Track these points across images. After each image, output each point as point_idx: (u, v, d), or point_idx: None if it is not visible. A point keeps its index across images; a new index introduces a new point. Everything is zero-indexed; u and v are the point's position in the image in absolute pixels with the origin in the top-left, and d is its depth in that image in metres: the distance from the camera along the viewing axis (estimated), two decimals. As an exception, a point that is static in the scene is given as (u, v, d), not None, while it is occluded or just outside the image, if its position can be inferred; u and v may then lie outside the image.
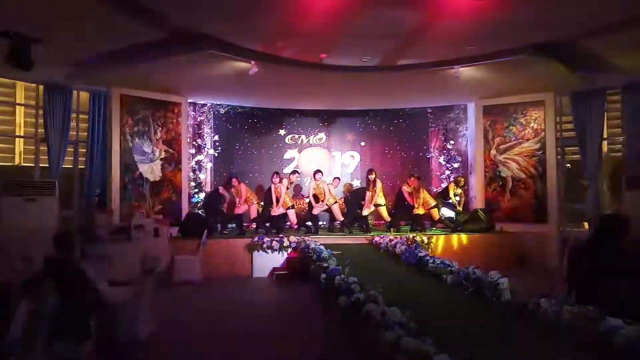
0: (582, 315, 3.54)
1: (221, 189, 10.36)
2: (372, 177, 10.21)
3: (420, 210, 10.31)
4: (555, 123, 10.23)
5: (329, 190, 10.29)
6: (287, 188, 10.29)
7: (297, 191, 11.61)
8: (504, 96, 10.44)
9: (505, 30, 6.74)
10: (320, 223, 10.59)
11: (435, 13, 6.15)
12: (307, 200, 10.69)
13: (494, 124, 10.80)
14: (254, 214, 10.29)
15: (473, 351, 3.22)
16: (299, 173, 10.91)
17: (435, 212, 10.38)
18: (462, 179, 10.60)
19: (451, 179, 11.25)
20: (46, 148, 8.77)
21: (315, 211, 10.26)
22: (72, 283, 4.38)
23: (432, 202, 10.37)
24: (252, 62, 7.76)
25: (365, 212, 10.28)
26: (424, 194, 10.38)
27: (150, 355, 4.91)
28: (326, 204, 10.18)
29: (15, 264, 5.83)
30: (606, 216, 5.06)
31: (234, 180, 10.20)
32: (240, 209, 10.13)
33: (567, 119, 10.27)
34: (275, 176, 10.01)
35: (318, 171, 10.34)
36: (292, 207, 10.26)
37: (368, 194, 10.26)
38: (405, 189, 10.39)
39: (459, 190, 10.49)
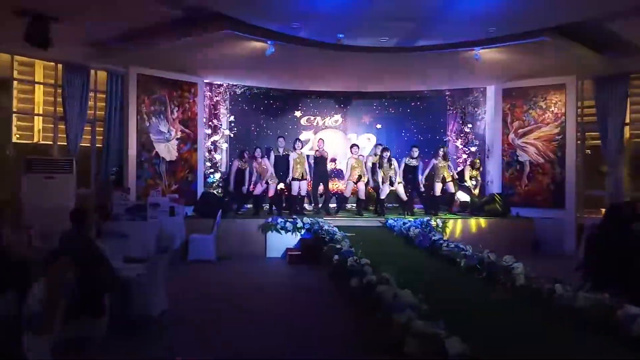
0: (597, 302, 3.51)
1: (237, 163, 10.10)
2: (387, 155, 9.96)
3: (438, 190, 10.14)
4: (577, 107, 10.03)
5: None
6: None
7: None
8: (524, 79, 10.24)
9: (527, 11, 6.58)
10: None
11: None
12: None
13: (513, 107, 10.63)
14: (272, 193, 10.01)
15: (484, 335, 3.21)
16: (357, 147, 10.37)
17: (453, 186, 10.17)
18: (478, 161, 10.49)
19: (467, 163, 11.10)
20: (64, 126, 8.85)
21: (382, 194, 10.04)
22: (87, 259, 4.44)
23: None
24: (269, 42, 7.70)
25: (383, 195, 10.08)
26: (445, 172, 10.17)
27: (162, 332, 4.98)
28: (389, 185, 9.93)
29: (34, 241, 5.93)
30: (616, 204, 5.00)
31: (257, 151, 10.04)
32: (258, 189, 9.96)
33: (589, 103, 10.06)
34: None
35: (354, 145, 10.27)
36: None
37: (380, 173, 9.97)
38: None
39: (475, 173, 10.38)
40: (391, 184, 9.99)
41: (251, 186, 9.97)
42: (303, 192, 10.21)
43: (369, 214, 10.31)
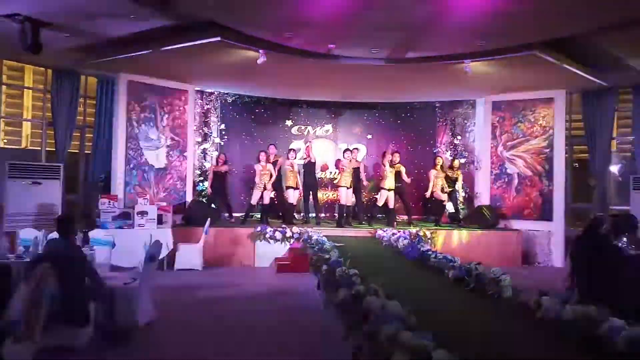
0: (584, 314, 3.51)
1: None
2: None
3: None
4: (565, 121, 10.14)
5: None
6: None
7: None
8: (514, 92, 10.35)
9: (517, 25, 6.65)
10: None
11: (446, 5, 6.08)
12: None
13: (502, 120, 10.72)
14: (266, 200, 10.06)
15: (472, 347, 3.20)
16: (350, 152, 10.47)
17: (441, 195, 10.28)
18: (457, 163, 10.60)
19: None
20: (53, 132, 8.79)
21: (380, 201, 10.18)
22: (72, 267, 4.39)
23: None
24: (261, 51, 7.71)
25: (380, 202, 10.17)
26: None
27: (149, 342, 4.92)
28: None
29: (18, 246, 5.85)
30: (595, 219, 5.05)
31: (271, 148, 10.22)
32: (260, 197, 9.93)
33: (577, 117, 10.18)
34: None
35: (355, 148, 10.52)
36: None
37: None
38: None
39: (457, 173, 10.49)
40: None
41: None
42: (294, 201, 10.23)
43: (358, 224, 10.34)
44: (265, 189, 9.84)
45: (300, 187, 10.32)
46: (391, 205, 10.18)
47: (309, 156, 10.42)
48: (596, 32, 6.81)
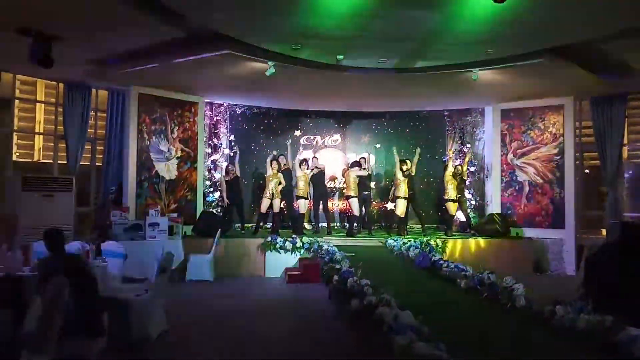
0: (599, 323, 3.48)
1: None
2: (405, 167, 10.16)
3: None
4: (575, 128, 10.09)
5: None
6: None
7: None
8: (522, 100, 10.33)
9: (525, 33, 6.65)
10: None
11: (453, 15, 6.10)
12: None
13: (511, 128, 10.69)
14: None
15: (487, 358, 3.18)
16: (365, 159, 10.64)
17: (451, 206, 10.20)
18: (461, 168, 10.47)
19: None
20: (65, 145, 8.88)
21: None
22: (79, 279, 4.42)
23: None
24: (270, 63, 7.77)
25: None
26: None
27: (162, 353, 4.92)
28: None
29: (31, 260, 5.89)
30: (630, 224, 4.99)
31: (281, 158, 10.41)
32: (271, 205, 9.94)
33: (587, 123, 10.13)
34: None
35: (362, 157, 10.55)
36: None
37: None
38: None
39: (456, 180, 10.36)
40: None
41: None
42: (304, 211, 10.24)
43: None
44: (274, 197, 9.87)
45: (311, 197, 10.33)
46: (402, 214, 10.12)
47: (318, 165, 10.48)
48: (604, 39, 6.79)
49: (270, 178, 9.86)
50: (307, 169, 10.18)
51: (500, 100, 10.55)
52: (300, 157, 10.26)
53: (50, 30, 6.55)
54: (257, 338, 5.46)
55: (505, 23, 6.24)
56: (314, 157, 10.99)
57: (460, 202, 10.38)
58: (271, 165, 9.90)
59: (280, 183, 9.88)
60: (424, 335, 3.30)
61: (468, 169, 11.19)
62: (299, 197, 9.96)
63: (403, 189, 10.02)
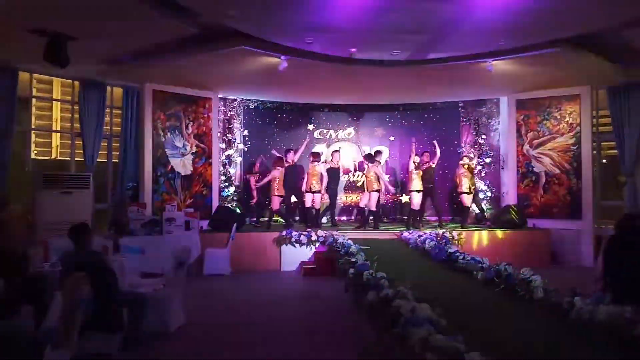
0: (618, 315, 3.45)
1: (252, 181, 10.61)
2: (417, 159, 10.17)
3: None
4: (592, 117, 9.95)
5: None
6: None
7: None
8: (538, 90, 10.20)
9: (540, 22, 6.57)
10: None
11: (467, 5, 6.04)
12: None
13: (527, 118, 10.58)
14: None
15: (505, 349, 3.17)
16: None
17: (466, 198, 10.13)
18: (468, 160, 10.38)
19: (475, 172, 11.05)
20: (81, 142, 8.98)
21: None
22: (103, 274, 4.49)
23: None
24: (282, 57, 7.77)
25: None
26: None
27: (180, 347, 4.99)
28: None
29: (50, 256, 5.99)
30: (630, 215, 4.93)
31: (290, 153, 10.33)
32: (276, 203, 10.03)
33: (604, 112, 9.98)
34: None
35: (379, 152, 10.47)
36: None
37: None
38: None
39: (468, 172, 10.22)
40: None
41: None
42: (318, 205, 10.27)
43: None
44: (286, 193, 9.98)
45: (324, 191, 10.33)
46: (417, 206, 10.11)
47: (335, 162, 10.57)
48: (620, 27, 6.68)
49: (278, 175, 9.93)
50: (323, 162, 10.21)
51: (515, 90, 10.44)
52: (315, 150, 10.32)
53: (66, 30, 6.61)
54: (274, 331, 5.50)
55: (520, 12, 6.17)
56: (335, 150, 10.99)
57: (474, 194, 10.31)
58: (279, 162, 10.03)
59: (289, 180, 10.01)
60: (442, 328, 3.30)
61: (483, 160, 11.14)
62: (314, 192, 9.99)
63: (417, 182, 9.98)
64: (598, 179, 9.98)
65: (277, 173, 9.88)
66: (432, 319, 3.42)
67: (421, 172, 10.04)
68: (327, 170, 10.34)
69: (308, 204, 10.15)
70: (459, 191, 10.19)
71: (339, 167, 10.66)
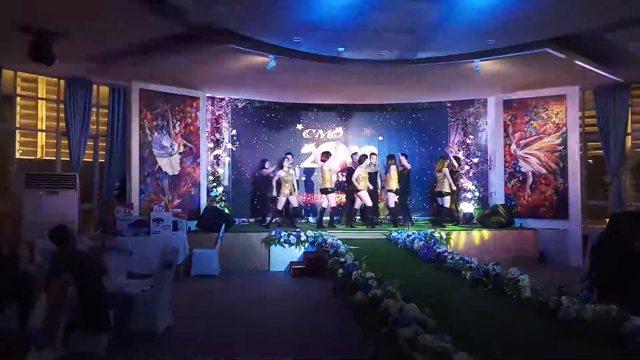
0: (605, 314, 3.47)
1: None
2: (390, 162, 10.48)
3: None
4: (578, 118, 10.04)
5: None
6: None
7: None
8: (525, 90, 10.26)
9: (527, 22, 6.61)
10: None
11: (454, 6, 6.06)
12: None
13: (514, 118, 10.65)
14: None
15: (493, 349, 3.18)
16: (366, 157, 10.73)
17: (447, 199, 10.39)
18: (446, 161, 10.56)
19: (464, 172, 11.32)
20: (67, 142, 8.88)
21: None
22: (84, 276, 4.44)
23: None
24: (271, 56, 7.74)
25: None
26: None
27: (168, 348, 4.95)
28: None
29: (37, 257, 5.92)
30: (616, 215, 4.98)
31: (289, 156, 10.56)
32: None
33: (590, 113, 10.08)
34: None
35: (373, 154, 10.78)
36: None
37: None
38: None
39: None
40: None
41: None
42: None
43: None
44: (290, 194, 10.14)
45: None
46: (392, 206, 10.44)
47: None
48: (607, 28, 6.74)
49: (284, 176, 10.11)
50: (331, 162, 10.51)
51: (502, 90, 10.50)
52: (304, 150, 10.43)
53: (51, 28, 6.53)
54: (262, 331, 5.48)
55: (507, 13, 6.21)
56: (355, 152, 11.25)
57: (453, 193, 10.57)
58: (283, 163, 10.30)
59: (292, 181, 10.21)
60: (430, 328, 3.30)
61: (471, 160, 11.24)
62: (324, 191, 10.25)
63: (393, 183, 10.29)
64: (585, 179, 10.07)
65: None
66: (420, 319, 3.42)
67: (397, 174, 10.38)
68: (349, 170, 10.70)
69: (325, 204, 10.32)
70: (442, 192, 10.27)
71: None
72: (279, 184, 10.16)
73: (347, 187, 11.12)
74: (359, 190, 10.17)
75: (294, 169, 10.49)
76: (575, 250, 9.58)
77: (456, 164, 10.97)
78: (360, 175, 10.15)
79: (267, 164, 11.04)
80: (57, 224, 4.87)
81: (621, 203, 9.36)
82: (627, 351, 3.11)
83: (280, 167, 10.35)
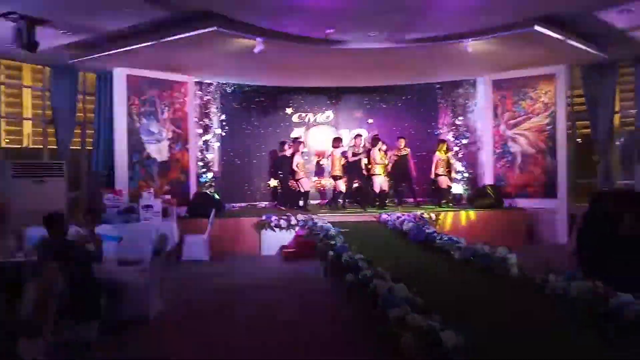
0: (590, 290, 3.52)
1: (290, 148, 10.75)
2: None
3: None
4: (566, 97, 10.06)
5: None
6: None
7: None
8: (514, 70, 10.25)
9: (515, 1, 6.58)
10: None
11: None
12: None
13: (503, 98, 10.65)
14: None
15: (480, 328, 3.22)
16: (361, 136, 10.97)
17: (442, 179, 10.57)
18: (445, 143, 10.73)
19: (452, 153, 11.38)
20: (54, 130, 8.79)
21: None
22: (74, 264, 4.43)
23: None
24: (258, 39, 7.65)
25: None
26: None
27: (159, 333, 4.96)
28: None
29: (25, 246, 5.89)
30: (598, 193, 5.04)
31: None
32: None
33: (579, 92, 10.11)
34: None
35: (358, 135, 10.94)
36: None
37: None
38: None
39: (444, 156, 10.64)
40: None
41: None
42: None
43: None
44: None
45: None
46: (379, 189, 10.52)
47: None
48: (596, 6, 6.73)
49: (298, 161, 10.41)
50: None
51: (492, 70, 10.49)
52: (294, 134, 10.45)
53: (34, 14, 6.41)
54: (253, 314, 5.51)
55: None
56: (358, 135, 11.12)
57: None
58: (298, 148, 10.56)
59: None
60: (419, 307, 3.34)
61: (460, 141, 11.30)
62: (335, 177, 10.50)
63: (378, 167, 10.40)
64: (573, 158, 10.13)
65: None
66: (409, 299, 3.45)
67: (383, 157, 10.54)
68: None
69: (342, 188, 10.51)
70: (435, 173, 10.40)
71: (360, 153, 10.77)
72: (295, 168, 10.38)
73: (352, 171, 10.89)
74: (374, 175, 10.38)
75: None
76: (563, 228, 9.68)
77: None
78: (376, 158, 10.37)
79: (286, 146, 10.84)
80: (46, 212, 4.85)
81: (609, 182, 9.43)
82: (613, 326, 3.16)
83: (296, 151, 10.49)
